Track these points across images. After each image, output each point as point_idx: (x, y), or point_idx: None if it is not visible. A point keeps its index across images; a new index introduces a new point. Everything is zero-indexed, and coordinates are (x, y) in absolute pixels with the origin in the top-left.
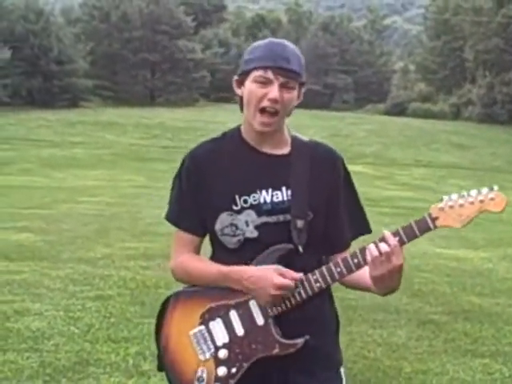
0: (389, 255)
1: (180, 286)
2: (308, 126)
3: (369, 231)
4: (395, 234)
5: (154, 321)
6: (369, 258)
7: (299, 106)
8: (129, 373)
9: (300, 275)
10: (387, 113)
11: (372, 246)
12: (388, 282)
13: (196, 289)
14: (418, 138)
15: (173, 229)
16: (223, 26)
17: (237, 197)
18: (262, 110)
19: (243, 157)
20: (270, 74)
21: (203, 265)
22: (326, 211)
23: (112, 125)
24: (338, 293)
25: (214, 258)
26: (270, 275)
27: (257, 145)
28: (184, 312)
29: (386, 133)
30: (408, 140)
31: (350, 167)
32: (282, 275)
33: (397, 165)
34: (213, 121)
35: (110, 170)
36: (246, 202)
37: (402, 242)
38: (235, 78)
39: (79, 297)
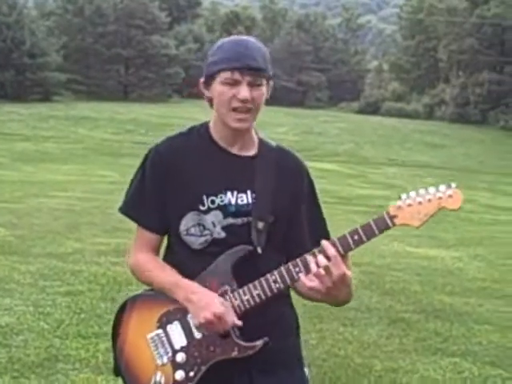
0: (327, 268)
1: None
2: (281, 123)
3: (328, 237)
4: (335, 243)
5: None
6: (310, 272)
7: (272, 104)
8: (98, 369)
9: (240, 323)
10: (361, 111)
11: (310, 260)
12: (334, 293)
13: (153, 292)
14: (391, 137)
15: None
16: (198, 22)
17: (204, 197)
18: (234, 109)
19: (211, 156)
20: (237, 75)
21: (157, 270)
22: (288, 216)
23: (84, 119)
24: None
25: (173, 257)
26: (215, 301)
27: (226, 145)
28: (141, 315)
29: (359, 131)
30: (381, 139)
31: (323, 165)
32: (226, 309)
33: (369, 163)
34: (186, 117)
35: (82, 165)
36: (213, 202)
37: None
38: (201, 80)
39: (49, 292)
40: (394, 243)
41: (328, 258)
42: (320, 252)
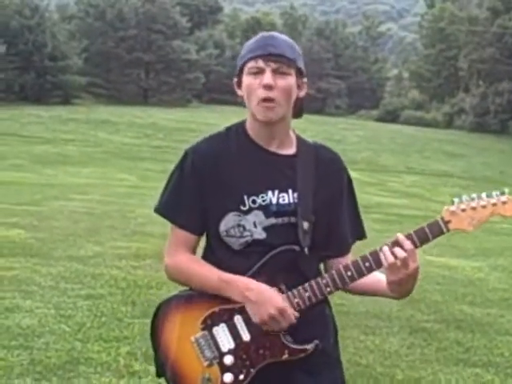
0: (405, 260)
1: (171, 286)
2: (301, 129)
3: (365, 236)
4: (408, 237)
5: (145, 321)
6: (385, 263)
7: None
8: (119, 373)
9: (297, 314)
10: (380, 119)
11: (387, 251)
12: (405, 285)
13: (192, 293)
14: (409, 146)
15: (166, 230)
16: (218, 28)
17: (245, 196)
18: (260, 100)
19: (250, 155)
20: (260, 63)
21: (202, 269)
22: (328, 215)
23: (104, 123)
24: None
25: (212, 257)
26: (275, 295)
27: (264, 143)
28: (182, 317)
29: (377, 139)
30: (400, 147)
31: None
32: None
33: (388, 171)
34: (205, 122)
35: (102, 168)
36: (254, 202)
37: (414, 246)
38: (234, 79)
39: (70, 295)
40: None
41: (405, 251)
42: (394, 245)
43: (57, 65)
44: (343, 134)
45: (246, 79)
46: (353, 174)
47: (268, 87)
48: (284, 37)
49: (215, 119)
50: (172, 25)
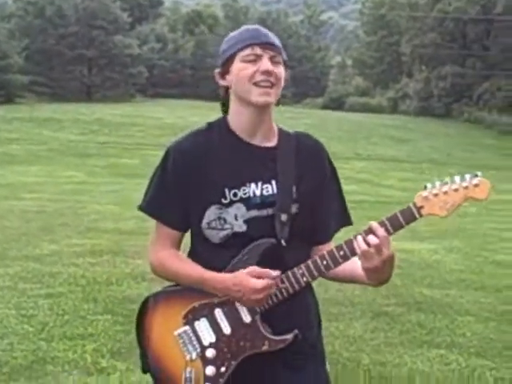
0: (379, 247)
1: (131, 282)
2: None
3: (351, 223)
4: (381, 224)
5: (107, 317)
6: (358, 251)
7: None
8: (87, 370)
9: (277, 272)
10: (325, 107)
11: (360, 239)
12: (381, 272)
13: (175, 288)
14: (356, 132)
15: (119, 225)
16: (159, 22)
17: (226, 190)
18: (257, 84)
19: (232, 149)
20: (257, 50)
21: (183, 266)
22: (311, 204)
23: (49, 121)
24: None
25: (194, 253)
26: (245, 281)
27: (246, 137)
28: (165, 313)
29: (325, 127)
30: (347, 134)
31: None
32: (259, 277)
33: (337, 158)
34: (150, 116)
35: (49, 166)
36: (235, 195)
37: (387, 232)
38: (217, 70)
39: (30, 295)
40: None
41: (378, 237)
42: (367, 233)
43: None
44: (290, 123)
45: (240, 66)
46: None
47: (268, 73)
48: (267, 31)
49: (162, 113)
50: (113, 20)
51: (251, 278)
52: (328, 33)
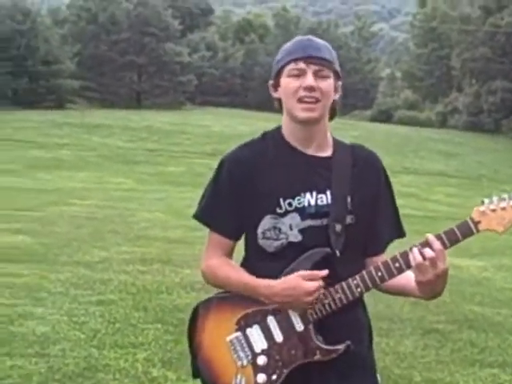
0: (434, 260)
1: (182, 291)
2: None
3: (404, 235)
4: (438, 237)
5: (158, 326)
6: (413, 263)
7: (281, 112)
8: (138, 379)
9: (325, 271)
10: (373, 119)
11: (416, 251)
12: (434, 286)
13: (227, 295)
14: (404, 146)
15: (168, 233)
16: (210, 30)
17: (281, 199)
18: (300, 100)
19: (287, 158)
20: (301, 65)
21: (233, 274)
22: (366, 215)
23: (98, 127)
24: None
25: (248, 262)
26: (298, 285)
27: (301, 146)
28: (217, 319)
29: (372, 139)
30: (395, 147)
31: None
32: (309, 279)
33: None
34: (199, 124)
35: (97, 173)
36: (290, 204)
37: (444, 246)
38: (270, 82)
39: (81, 301)
40: None
41: (434, 251)
42: (423, 245)
43: (50, 69)
44: (338, 135)
45: (286, 81)
46: None
47: (310, 89)
48: (320, 40)
49: (209, 121)
50: (164, 27)
51: (303, 281)
52: (378, 45)
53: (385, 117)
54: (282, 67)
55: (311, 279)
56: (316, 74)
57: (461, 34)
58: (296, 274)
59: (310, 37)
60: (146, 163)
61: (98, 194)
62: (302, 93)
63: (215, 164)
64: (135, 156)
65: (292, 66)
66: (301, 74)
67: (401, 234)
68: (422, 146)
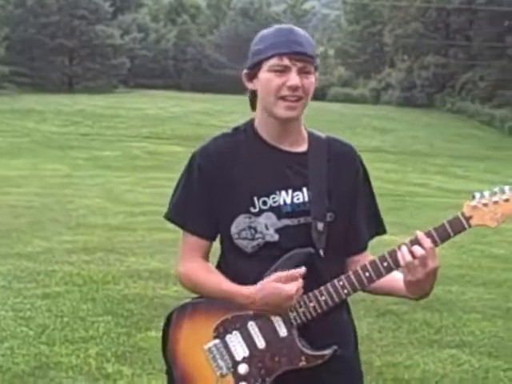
0: (424, 259)
1: (129, 281)
2: (230, 111)
3: (384, 231)
4: (428, 235)
5: (108, 318)
6: (402, 262)
7: (220, 92)
8: (93, 376)
9: (303, 269)
10: None
11: (405, 249)
12: (423, 286)
13: (204, 300)
14: (339, 123)
15: (109, 220)
16: (141, 11)
17: (255, 198)
18: (283, 98)
19: (260, 155)
20: (286, 61)
21: (210, 279)
22: (345, 212)
23: (30, 112)
24: None
25: (225, 262)
26: (276, 290)
27: (275, 142)
28: (194, 326)
29: (307, 117)
30: (329, 124)
31: None
32: (287, 280)
33: None
34: (133, 107)
35: (32, 159)
36: (265, 203)
37: (434, 244)
38: (245, 71)
39: (26, 295)
40: None
41: (423, 249)
42: (413, 243)
43: None
44: None
45: (267, 76)
46: None
47: (295, 88)
48: (302, 31)
49: (143, 104)
50: (94, 9)
51: (282, 285)
52: (310, 22)
53: (319, 95)
54: (262, 60)
55: (290, 280)
56: (300, 71)
57: (392, 10)
58: (273, 276)
59: (293, 28)
60: (81, 148)
61: (34, 182)
62: (285, 91)
63: (152, 147)
64: (69, 141)
65: (275, 61)
66: (284, 70)
67: (381, 230)
68: (357, 123)
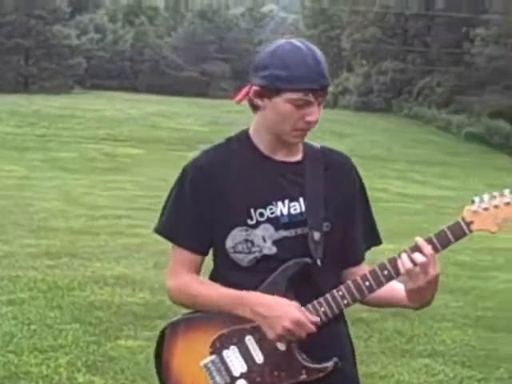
0: (425, 266)
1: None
2: (187, 114)
3: (380, 242)
4: (428, 241)
5: (76, 326)
6: (402, 270)
7: (177, 94)
8: None
9: (317, 319)
10: None
11: (405, 257)
12: (424, 294)
13: (198, 315)
14: None
15: (71, 224)
16: (99, 12)
17: (252, 210)
18: (296, 129)
19: (255, 165)
20: (310, 97)
21: (209, 289)
22: (342, 222)
23: None
24: None
25: (220, 276)
26: (288, 306)
27: (270, 152)
28: (189, 341)
29: None
30: None
31: None
32: (302, 312)
33: None
34: (89, 108)
35: None
36: (262, 215)
37: (435, 250)
38: (256, 88)
39: None
40: None
41: (424, 256)
42: (413, 250)
43: None
44: (230, 117)
45: (285, 106)
46: None
47: (314, 123)
48: (322, 56)
49: (100, 105)
50: (51, 9)
51: (294, 307)
52: (268, 25)
53: None
54: (287, 90)
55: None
56: (319, 104)
57: (351, 14)
58: (292, 302)
59: (315, 54)
60: (37, 149)
61: None
62: (301, 124)
63: (109, 149)
64: (25, 142)
65: (300, 95)
66: (305, 105)
67: (377, 241)
68: (316, 127)
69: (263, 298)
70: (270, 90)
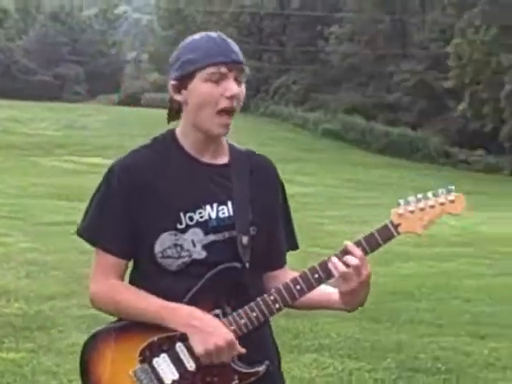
0: (358, 268)
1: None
2: (41, 118)
3: (297, 247)
4: (358, 244)
5: None
6: (336, 272)
7: (29, 98)
8: None
9: (244, 351)
10: (120, 103)
11: (336, 260)
12: (357, 295)
13: (126, 323)
14: (157, 126)
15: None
16: None
17: (181, 214)
18: (220, 113)
19: (183, 168)
20: (224, 69)
21: (137, 297)
22: (267, 225)
23: None
24: None
25: (144, 280)
26: (222, 327)
27: (196, 154)
28: (117, 351)
29: (123, 123)
30: (148, 129)
31: (90, 160)
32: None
33: None
34: None
35: None
36: (191, 219)
37: (364, 253)
38: (173, 82)
39: None
40: None
41: (357, 258)
42: (343, 253)
43: None
44: (85, 121)
45: (202, 85)
46: (101, 161)
47: (234, 98)
48: (233, 41)
49: None
50: None
51: (229, 330)
52: (122, 27)
53: (132, 100)
54: (198, 69)
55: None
56: (235, 80)
57: (206, 15)
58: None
59: (222, 35)
60: None
61: None
62: (223, 103)
63: None
64: None
65: (212, 69)
66: (221, 79)
67: (295, 246)
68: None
69: (196, 312)
70: (184, 78)
